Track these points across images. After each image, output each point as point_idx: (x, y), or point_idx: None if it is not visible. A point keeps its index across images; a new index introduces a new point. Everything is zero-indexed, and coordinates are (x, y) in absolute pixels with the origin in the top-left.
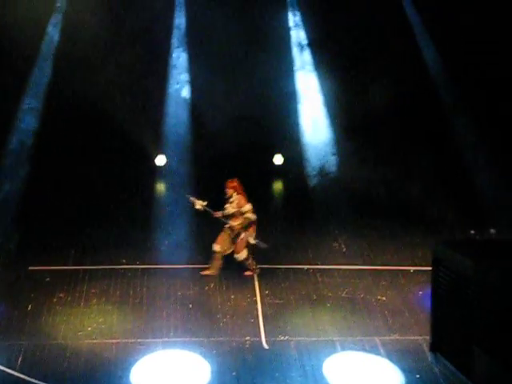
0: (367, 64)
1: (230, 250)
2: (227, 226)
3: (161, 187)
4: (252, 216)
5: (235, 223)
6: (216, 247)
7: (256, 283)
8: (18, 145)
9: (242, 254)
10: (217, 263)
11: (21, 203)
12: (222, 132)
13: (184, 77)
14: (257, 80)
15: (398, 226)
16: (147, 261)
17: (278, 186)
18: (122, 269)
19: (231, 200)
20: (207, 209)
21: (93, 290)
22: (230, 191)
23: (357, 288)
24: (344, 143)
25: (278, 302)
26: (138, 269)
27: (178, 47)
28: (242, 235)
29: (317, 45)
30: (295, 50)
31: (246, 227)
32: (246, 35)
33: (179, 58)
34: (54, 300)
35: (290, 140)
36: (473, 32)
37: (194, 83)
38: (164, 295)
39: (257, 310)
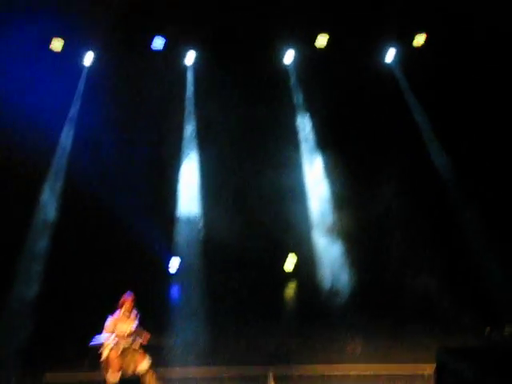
0: (377, 165)
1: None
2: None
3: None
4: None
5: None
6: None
7: None
8: (32, 251)
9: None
10: None
11: (35, 311)
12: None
13: (194, 181)
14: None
15: (412, 327)
16: (162, 365)
17: (290, 290)
18: None
19: (135, 315)
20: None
21: None
22: (131, 306)
23: None
24: (355, 246)
25: None
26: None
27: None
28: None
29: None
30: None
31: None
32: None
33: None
34: None
35: (302, 242)
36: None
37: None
38: None
39: None
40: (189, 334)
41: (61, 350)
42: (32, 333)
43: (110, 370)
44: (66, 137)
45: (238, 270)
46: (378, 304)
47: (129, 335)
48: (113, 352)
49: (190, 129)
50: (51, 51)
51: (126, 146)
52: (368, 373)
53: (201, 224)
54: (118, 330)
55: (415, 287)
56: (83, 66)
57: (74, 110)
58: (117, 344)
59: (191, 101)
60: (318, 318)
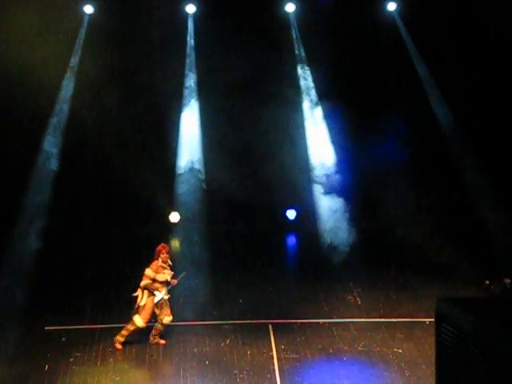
0: (378, 116)
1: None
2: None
3: (175, 244)
4: None
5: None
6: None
7: (272, 338)
8: (34, 203)
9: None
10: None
11: (36, 263)
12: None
13: (195, 129)
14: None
15: (413, 277)
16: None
17: (291, 240)
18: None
19: (169, 264)
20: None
21: (109, 349)
22: (167, 256)
23: (373, 341)
24: (357, 195)
25: (294, 356)
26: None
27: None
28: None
29: (327, 99)
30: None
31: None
32: (256, 87)
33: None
34: (71, 360)
35: (302, 195)
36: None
37: (204, 136)
38: (180, 352)
39: (273, 365)
40: (188, 287)
41: (60, 303)
42: (32, 287)
43: (142, 316)
44: (67, 86)
45: (239, 222)
46: (378, 256)
47: (165, 284)
48: (150, 299)
49: (190, 78)
50: None
51: (127, 95)
52: (368, 320)
53: (202, 175)
54: (157, 278)
55: (415, 239)
56: (84, 14)
57: (74, 59)
58: (154, 292)
59: (192, 49)
60: (317, 271)
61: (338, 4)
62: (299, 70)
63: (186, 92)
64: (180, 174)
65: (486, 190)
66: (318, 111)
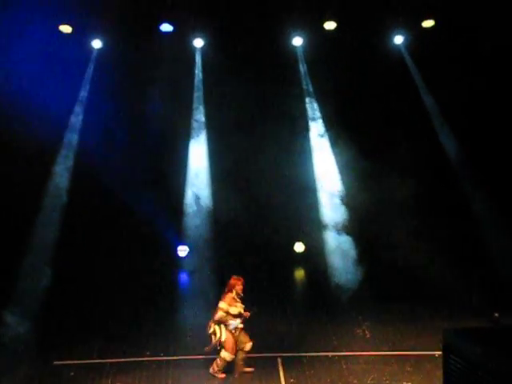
0: (386, 152)
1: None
2: (237, 327)
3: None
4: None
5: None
6: (228, 357)
7: (281, 371)
8: (41, 237)
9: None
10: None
11: (45, 297)
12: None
13: (203, 163)
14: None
15: (421, 310)
16: (171, 352)
17: (299, 273)
18: (146, 361)
19: (240, 297)
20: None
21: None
22: (241, 288)
23: (382, 374)
24: (364, 227)
25: None
26: (162, 360)
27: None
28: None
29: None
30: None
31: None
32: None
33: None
34: None
35: (310, 227)
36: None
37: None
38: None
39: None
40: (198, 320)
41: (69, 338)
42: (41, 322)
43: (228, 350)
44: (76, 120)
45: (247, 255)
46: (387, 290)
47: (239, 316)
48: (228, 332)
49: (198, 112)
50: (61, 34)
51: (134, 130)
52: (377, 353)
53: (210, 209)
54: (230, 312)
55: (424, 272)
56: (92, 49)
57: (83, 93)
58: (231, 325)
59: (200, 84)
60: (326, 305)
61: (345, 37)
62: (307, 103)
63: (194, 125)
64: (188, 207)
65: (498, 219)
66: (325, 142)
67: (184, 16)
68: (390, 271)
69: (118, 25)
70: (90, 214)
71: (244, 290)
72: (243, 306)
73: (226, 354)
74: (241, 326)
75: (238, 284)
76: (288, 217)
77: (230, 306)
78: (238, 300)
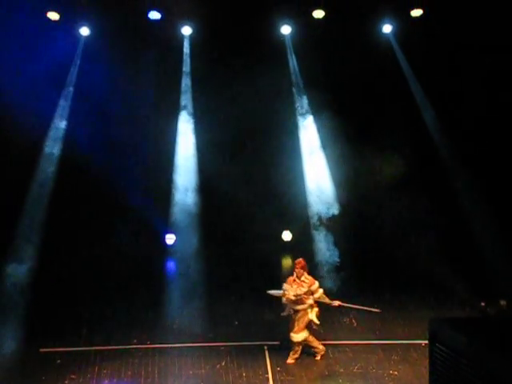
0: (372, 134)
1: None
2: (295, 310)
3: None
4: (322, 294)
5: (303, 306)
6: (296, 338)
7: (268, 360)
8: (29, 223)
9: (302, 335)
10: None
11: (31, 284)
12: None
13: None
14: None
15: (408, 299)
16: (158, 340)
17: (286, 262)
18: (133, 348)
19: (302, 280)
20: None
21: (104, 371)
22: (300, 271)
23: (369, 363)
24: (352, 217)
25: (289, 378)
26: (148, 348)
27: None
28: (306, 316)
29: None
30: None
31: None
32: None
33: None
34: (66, 382)
35: (298, 216)
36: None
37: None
38: (176, 374)
39: None
40: (185, 310)
41: (56, 325)
42: (27, 309)
43: (295, 330)
44: (63, 107)
45: (235, 245)
46: (374, 279)
47: (295, 299)
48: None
49: (186, 99)
50: (48, 20)
51: (121, 116)
52: (364, 342)
53: (197, 198)
54: (288, 293)
55: (411, 261)
56: (80, 36)
57: (70, 80)
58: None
59: (188, 71)
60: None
61: (333, 26)
62: (294, 92)
63: (183, 113)
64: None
65: (483, 209)
66: (313, 129)
67: (172, 3)
68: (376, 261)
69: (106, 12)
70: (77, 202)
71: (300, 273)
72: (303, 289)
73: (292, 335)
74: (297, 308)
75: (296, 267)
76: (276, 206)
77: (290, 285)
78: (298, 282)
